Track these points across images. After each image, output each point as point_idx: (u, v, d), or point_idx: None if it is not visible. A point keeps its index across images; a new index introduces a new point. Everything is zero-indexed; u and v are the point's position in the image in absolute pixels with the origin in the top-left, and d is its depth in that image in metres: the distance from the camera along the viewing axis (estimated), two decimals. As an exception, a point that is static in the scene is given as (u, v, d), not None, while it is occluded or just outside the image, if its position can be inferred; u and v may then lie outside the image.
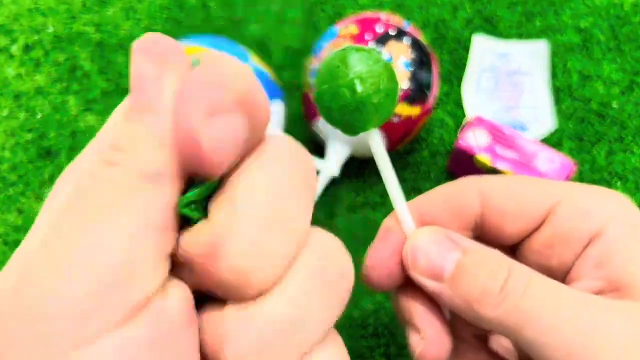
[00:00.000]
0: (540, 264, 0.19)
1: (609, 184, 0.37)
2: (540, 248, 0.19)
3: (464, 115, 0.41)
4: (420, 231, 0.20)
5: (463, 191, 0.20)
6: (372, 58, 0.18)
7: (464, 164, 0.36)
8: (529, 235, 0.20)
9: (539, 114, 0.40)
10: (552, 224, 0.19)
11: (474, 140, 0.35)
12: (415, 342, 0.19)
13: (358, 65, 0.18)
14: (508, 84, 0.42)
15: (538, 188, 0.19)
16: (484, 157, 0.34)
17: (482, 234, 0.21)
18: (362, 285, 0.34)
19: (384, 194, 0.37)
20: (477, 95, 0.42)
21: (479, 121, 0.35)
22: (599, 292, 0.18)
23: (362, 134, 0.19)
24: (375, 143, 0.20)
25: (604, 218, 0.18)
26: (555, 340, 0.16)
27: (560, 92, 0.42)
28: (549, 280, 0.17)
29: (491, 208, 0.20)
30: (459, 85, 0.42)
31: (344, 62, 0.18)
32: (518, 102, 0.41)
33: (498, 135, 0.35)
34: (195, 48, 0.32)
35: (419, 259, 0.19)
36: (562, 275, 0.19)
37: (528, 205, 0.19)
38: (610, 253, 0.18)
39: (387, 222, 0.21)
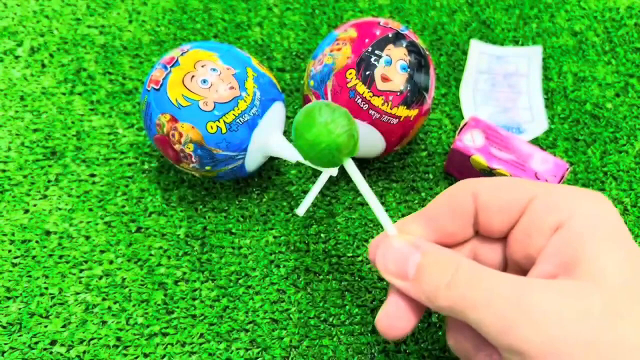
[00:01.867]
0: (523, 253, 0.22)
1: (603, 184, 0.38)
2: (520, 237, 0.22)
3: (461, 117, 0.42)
4: (391, 238, 0.24)
5: (459, 194, 0.24)
6: (335, 110, 0.24)
7: (461, 165, 0.36)
8: (512, 227, 0.23)
9: (535, 114, 0.41)
10: (527, 216, 0.22)
11: (470, 141, 0.35)
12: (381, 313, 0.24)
13: (326, 117, 0.24)
14: (505, 86, 0.43)
15: (518, 187, 0.22)
16: (480, 158, 0.35)
17: (480, 230, 0.24)
18: (361, 282, 0.35)
19: (384, 194, 0.38)
20: (474, 97, 0.42)
21: (476, 122, 0.36)
22: (552, 276, 0.20)
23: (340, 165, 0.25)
24: (351, 170, 0.25)
25: (571, 211, 0.21)
26: (491, 316, 0.19)
27: (555, 94, 0.42)
28: (492, 271, 0.21)
29: (481, 206, 0.23)
30: (456, 87, 0.43)
31: (314, 118, 0.24)
32: (515, 103, 0.42)
33: (493, 136, 0.36)
34: (199, 52, 0.33)
35: (388, 264, 0.23)
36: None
37: (509, 202, 0.22)
38: (569, 240, 0.20)
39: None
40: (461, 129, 0.36)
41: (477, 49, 0.45)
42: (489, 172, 0.35)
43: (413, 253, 0.23)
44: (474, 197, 0.23)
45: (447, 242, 0.24)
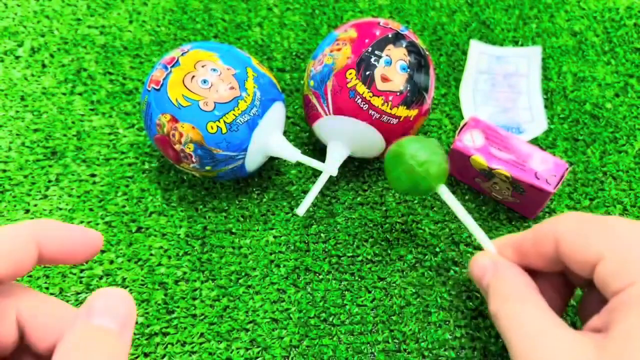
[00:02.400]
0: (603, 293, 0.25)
1: (602, 184, 0.38)
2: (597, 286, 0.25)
3: (461, 117, 0.42)
4: (482, 254, 0.29)
5: (543, 239, 0.27)
6: (426, 144, 0.30)
7: (460, 165, 0.36)
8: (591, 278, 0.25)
9: (534, 115, 0.41)
10: (596, 277, 0.24)
11: (470, 141, 0.35)
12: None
13: (419, 152, 0.29)
14: (505, 86, 0.43)
15: (589, 244, 0.24)
16: (479, 158, 0.35)
17: (566, 271, 0.28)
18: (361, 282, 0.35)
19: (383, 194, 0.38)
20: (474, 97, 0.43)
21: (475, 122, 0.36)
22: (597, 330, 0.23)
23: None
24: (446, 196, 0.30)
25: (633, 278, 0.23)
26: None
27: (555, 94, 0.42)
28: (533, 319, 0.24)
29: (561, 255, 0.26)
30: (456, 87, 0.43)
31: (406, 151, 0.30)
32: (515, 103, 0.42)
33: (493, 136, 0.36)
34: (200, 53, 0.33)
35: (474, 270, 0.29)
36: None
37: (580, 261, 0.25)
38: (619, 300, 0.23)
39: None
40: (461, 129, 0.36)
41: (477, 49, 0.45)
42: (489, 172, 0.35)
43: (487, 273, 0.28)
44: (556, 243, 0.26)
45: (537, 268, 0.28)
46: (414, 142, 0.30)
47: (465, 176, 0.37)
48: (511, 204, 0.37)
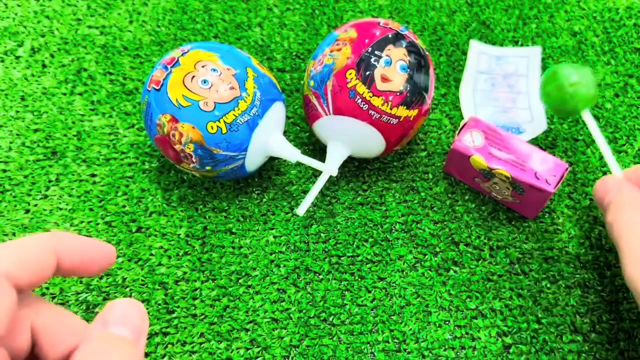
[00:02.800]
0: None
1: (602, 184, 0.38)
2: None
3: (460, 117, 0.42)
4: (607, 177, 0.31)
5: None
6: (582, 69, 0.33)
7: (460, 165, 0.36)
8: None
9: (534, 115, 0.41)
10: None
11: (470, 141, 0.35)
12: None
13: (573, 73, 0.33)
14: (505, 86, 0.43)
15: None
16: (479, 158, 0.35)
17: None
18: (361, 282, 0.35)
19: (383, 194, 0.38)
20: (473, 97, 0.43)
21: (475, 122, 0.36)
22: None
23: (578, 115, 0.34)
24: (588, 121, 0.34)
25: None
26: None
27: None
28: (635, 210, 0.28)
29: None
30: (456, 88, 0.43)
31: (562, 70, 0.33)
32: (515, 103, 0.42)
33: (493, 136, 0.36)
34: (200, 53, 0.33)
35: (598, 190, 0.31)
36: None
37: None
38: None
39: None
40: (460, 129, 0.36)
41: (477, 49, 0.45)
42: (489, 173, 0.35)
43: (610, 192, 0.30)
44: None
45: None
46: (571, 65, 0.34)
47: (465, 176, 0.37)
48: (511, 204, 0.37)
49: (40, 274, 0.21)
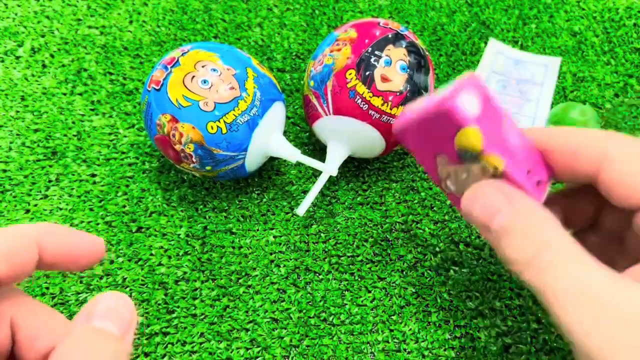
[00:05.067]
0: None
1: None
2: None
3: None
4: (487, 184, 0.22)
5: (583, 152, 0.22)
6: (583, 109, 0.38)
7: (429, 133, 0.24)
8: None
9: (536, 125, 0.41)
10: None
11: (472, 106, 0.22)
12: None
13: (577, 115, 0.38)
14: (517, 91, 0.43)
15: None
16: (475, 133, 0.22)
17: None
18: (361, 282, 0.35)
19: (383, 194, 0.38)
20: None
21: (475, 84, 0.23)
22: None
23: None
24: None
25: None
26: (573, 316, 0.19)
27: (555, 94, 0.43)
28: (583, 263, 0.19)
29: (603, 178, 0.22)
30: (456, 88, 0.43)
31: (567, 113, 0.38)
32: (521, 109, 0.42)
33: (490, 111, 0.23)
34: (200, 53, 0.33)
35: (474, 209, 0.22)
36: None
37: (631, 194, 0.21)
38: None
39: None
40: (455, 88, 0.23)
41: (495, 48, 0.44)
42: (472, 156, 0.23)
43: (502, 213, 0.21)
44: (599, 165, 0.21)
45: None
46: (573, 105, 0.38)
47: (424, 148, 0.26)
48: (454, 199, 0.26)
49: (20, 267, 0.20)
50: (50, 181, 0.39)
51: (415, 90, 0.34)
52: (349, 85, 0.33)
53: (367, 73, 0.33)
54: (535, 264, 0.20)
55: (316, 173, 0.39)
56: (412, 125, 0.25)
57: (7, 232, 0.20)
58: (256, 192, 0.38)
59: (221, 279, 0.35)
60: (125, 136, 0.41)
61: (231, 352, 0.32)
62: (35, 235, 0.20)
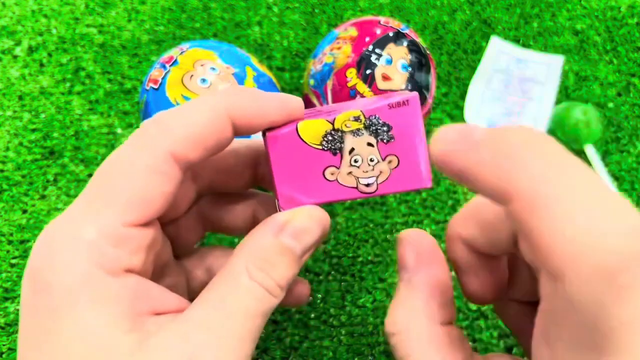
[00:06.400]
0: None
1: (605, 184, 0.38)
2: None
3: (462, 116, 0.41)
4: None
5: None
6: (585, 108, 0.38)
7: (292, 164, 0.21)
8: None
9: (537, 123, 0.41)
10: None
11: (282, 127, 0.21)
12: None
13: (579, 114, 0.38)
14: (518, 90, 0.42)
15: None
16: (311, 122, 0.21)
17: None
18: (361, 283, 0.35)
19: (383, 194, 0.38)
20: (482, 94, 0.42)
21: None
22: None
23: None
24: (591, 153, 0.38)
25: None
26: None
27: (557, 94, 0.42)
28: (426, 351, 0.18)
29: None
30: (457, 87, 0.43)
31: (571, 113, 0.39)
32: (523, 108, 0.41)
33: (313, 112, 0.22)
34: (198, 52, 0.33)
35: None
36: None
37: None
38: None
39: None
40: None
41: (497, 47, 0.44)
42: (335, 137, 0.21)
43: (407, 270, 0.20)
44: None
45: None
46: (576, 104, 0.38)
47: (310, 181, 0.21)
48: (393, 182, 0.22)
49: (215, 144, 0.19)
50: (48, 181, 0.38)
51: (417, 89, 0.33)
52: (349, 84, 0.32)
53: (367, 72, 0.32)
54: (394, 342, 0.18)
55: (316, 173, 0.39)
56: (278, 179, 0.21)
57: (194, 111, 0.18)
58: (256, 192, 0.38)
59: (220, 280, 0.35)
60: (123, 136, 0.41)
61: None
62: (225, 107, 0.19)
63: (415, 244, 0.20)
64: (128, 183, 0.17)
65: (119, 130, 0.41)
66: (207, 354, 0.16)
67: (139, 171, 0.17)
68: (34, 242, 0.36)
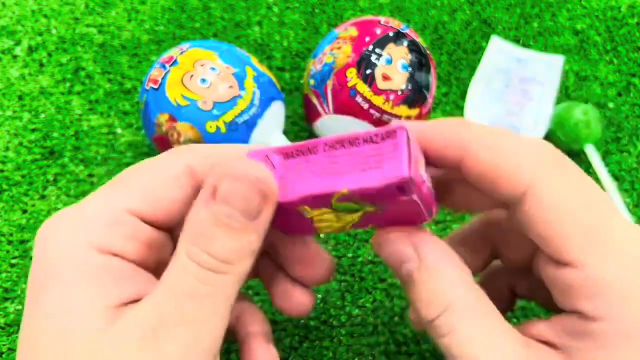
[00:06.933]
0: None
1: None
2: None
3: (462, 116, 0.41)
4: (396, 235, 0.20)
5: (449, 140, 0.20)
6: (585, 109, 0.38)
7: (293, 221, 0.20)
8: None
9: (537, 123, 0.41)
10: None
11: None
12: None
13: (579, 114, 0.38)
14: (519, 90, 0.42)
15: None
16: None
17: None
18: (361, 283, 0.35)
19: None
20: (483, 94, 0.42)
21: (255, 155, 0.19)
22: (547, 343, 0.20)
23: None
24: (591, 152, 0.37)
25: None
26: None
27: (557, 94, 0.42)
28: (479, 330, 0.19)
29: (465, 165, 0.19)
30: (457, 87, 0.43)
31: (571, 113, 0.38)
32: (523, 108, 0.41)
33: (293, 152, 0.19)
34: (198, 52, 0.33)
35: (388, 256, 0.20)
36: None
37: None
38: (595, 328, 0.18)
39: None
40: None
41: (497, 46, 0.44)
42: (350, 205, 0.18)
43: (409, 258, 0.19)
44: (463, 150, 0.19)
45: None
46: (576, 104, 0.38)
47: (303, 223, 0.20)
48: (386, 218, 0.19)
49: (172, 208, 0.19)
50: (47, 181, 0.38)
51: (417, 89, 0.33)
52: (349, 84, 0.32)
53: (367, 71, 0.32)
54: (438, 326, 0.18)
55: (316, 173, 0.39)
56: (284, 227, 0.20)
57: (156, 173, 0.19)
58: (256, 192, 0.38)
59: (220, 280, 0.35)
60: (123, 136, 0.41)
61: (230, 355, 0.32)
62: (183, 169, 0.19)
63: (403, 239, 0.19)
64: (146, 179, 0.19)
65: (118, 130, 0.41)
66: (162, 337, 0.16)
67: (161, 174, 0.19)
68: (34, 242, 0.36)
